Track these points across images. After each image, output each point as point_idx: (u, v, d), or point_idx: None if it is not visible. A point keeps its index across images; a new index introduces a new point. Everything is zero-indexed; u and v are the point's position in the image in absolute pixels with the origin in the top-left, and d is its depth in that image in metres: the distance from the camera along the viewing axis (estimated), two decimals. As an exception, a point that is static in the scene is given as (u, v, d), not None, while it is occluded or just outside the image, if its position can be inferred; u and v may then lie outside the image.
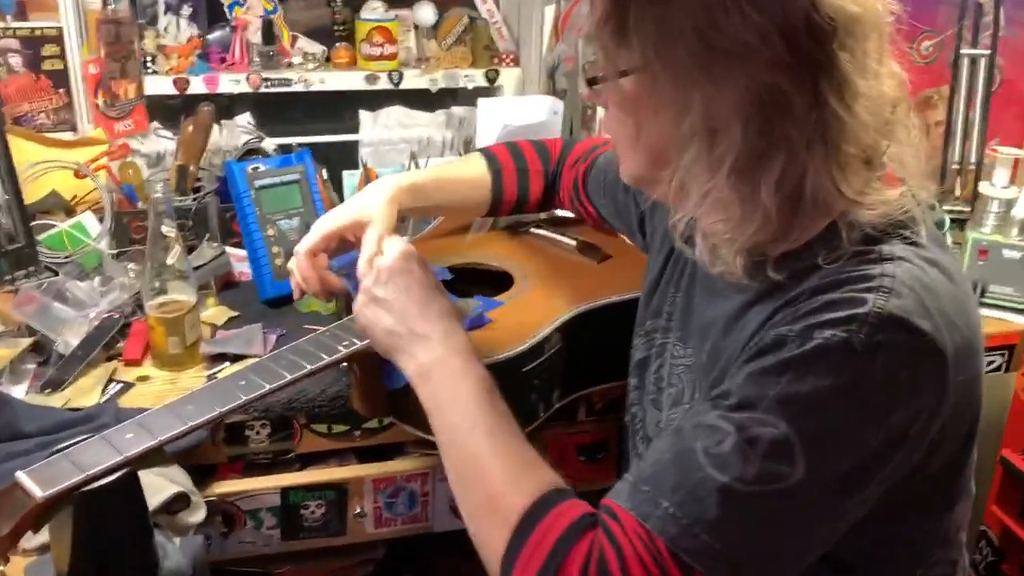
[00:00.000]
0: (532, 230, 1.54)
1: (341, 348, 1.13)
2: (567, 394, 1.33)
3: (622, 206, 1.29)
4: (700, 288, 1.02)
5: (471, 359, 0.97)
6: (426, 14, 2.15)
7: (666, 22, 0.80)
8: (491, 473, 0.88)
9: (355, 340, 1.15)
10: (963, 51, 1.90)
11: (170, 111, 2.08)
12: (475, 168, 1.42)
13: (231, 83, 2.01)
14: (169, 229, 1.39)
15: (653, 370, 1.09)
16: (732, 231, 0.84)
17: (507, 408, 0.94)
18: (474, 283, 1.40)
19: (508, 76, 2.21)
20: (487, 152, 1.44)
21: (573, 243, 1.50)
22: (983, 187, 1.75)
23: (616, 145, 0.94)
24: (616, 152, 0.95)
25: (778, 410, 0.76)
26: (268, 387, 1.06)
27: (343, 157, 2.16)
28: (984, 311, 1.64)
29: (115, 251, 1.72)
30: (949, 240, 0.98)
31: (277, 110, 2.16)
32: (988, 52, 1.92)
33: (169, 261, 1.40)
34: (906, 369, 0.77)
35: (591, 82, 0.89)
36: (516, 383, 1.19)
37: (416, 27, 2.17)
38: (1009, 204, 1.71)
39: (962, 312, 0.83)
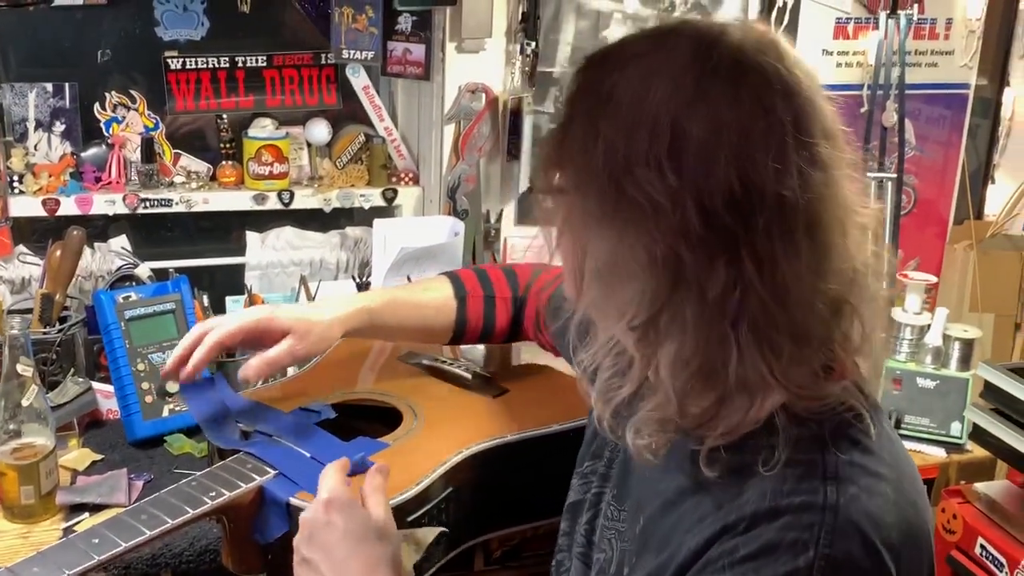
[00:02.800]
0: (424, 361, 1.56)
1: (208, 500, 1.12)
2: (461, 542, 1.32)
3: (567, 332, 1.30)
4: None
5: None
6: (319, 132, 2.20)
7: (591, 154, 0.81)
8: None
9: (223, 491, 1.14)
10: (869, 175, 2.01)
11: (39, 233, 2.07)
12: (439, 292, 1.43)
13: (106, 204, 2.01)
14: (25, 368, 1.37)
15: (585, 520, 1.08)
16: (629, 397, 0.85)
17: None
18: (362, 419, 1.40)
19: (407, 195, 2.26)
20: (453, 276, 1.46)
21: (468, 376, 1.52)
22: (895, 314, 1.83)
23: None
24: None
25: None
26: (124, 545, 1.05)
27: (228, 281, 2.17)
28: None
29: (-33, 388, 1.68)
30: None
31: (157, 232, 2.17)
32: (894, 175, 2.05)
33: (25, 402, 1.38)
34: None
35: (531, 187, 0.92)
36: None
37: (309, 145, 2.22)
38: (922, 331, 1.79)
39: (911, 535, 0.81)
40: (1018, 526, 1.52)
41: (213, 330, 1.29)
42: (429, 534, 1.19)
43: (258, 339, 1.31)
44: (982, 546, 1.55)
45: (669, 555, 0.86)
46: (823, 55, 2.36)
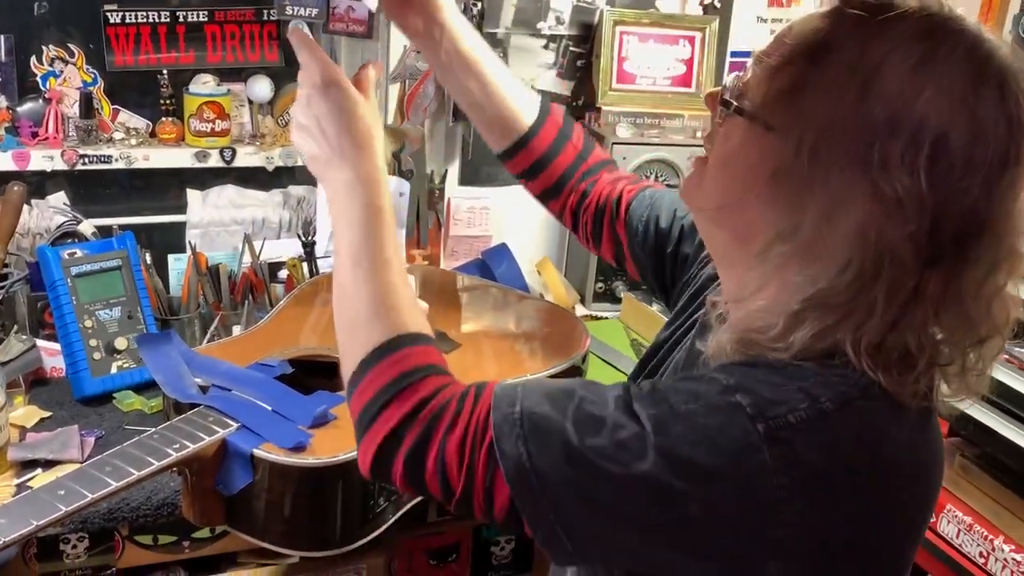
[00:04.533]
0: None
1: (172, 452, 1.13)
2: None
3: (661, 247, 1.26)
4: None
5: (374, 188, 1.00)
6: (261, 89, 2.17)
7: (842, 122, 0.80)
8: (356, 306, 0.97)
9: (187, 443, 1.15)
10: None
11: (-28, 189, 2.03)
12: (528, 92, 1.32)
13: (44, 160, 1.97)
14: (-27, 323, 1.36)
15: None
16: (764, 339, 0.84)
17: (394, 245, 0.99)
18: (318, 375, 1.42)
19: (350, 155, 2.25)
20: (542, 97, 1.35)
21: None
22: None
23: (701, 162, 0.94)
24: (697, 167, 0.94)
25: (656, 422, 0.81)
26: (91, 496, 1.05)
27: (169, 239, 2.14)
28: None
29: (-94, 346, 1.65)
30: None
31: (96, 189, 2.13)
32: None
33: (-28, 358, 1.37)
34: (785, 476, 0.78)
35: (725, 104, 0.88)
36: (363, 484, 1.22)
37: (251, 102, 2.20)
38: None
39: (888, 479, 0.83)
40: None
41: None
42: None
43: None
44: None
45: None
46: (757, 22, 2.40)
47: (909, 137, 0.77)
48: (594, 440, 0.81)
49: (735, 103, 0.87)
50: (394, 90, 2.16)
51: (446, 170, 2.24)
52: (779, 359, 0.83)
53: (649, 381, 0.89)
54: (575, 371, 1.49)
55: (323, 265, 1.99)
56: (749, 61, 0.90)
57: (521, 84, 1.32)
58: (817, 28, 0.84)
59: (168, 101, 2.10)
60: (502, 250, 2.10)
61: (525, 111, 1.29)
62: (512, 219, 2.31)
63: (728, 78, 0.93)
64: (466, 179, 2.27)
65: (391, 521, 1.29)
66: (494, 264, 2.04)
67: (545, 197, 1.36)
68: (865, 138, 0.78)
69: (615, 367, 1.81)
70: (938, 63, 0.79)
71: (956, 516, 1.55)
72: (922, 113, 0.77)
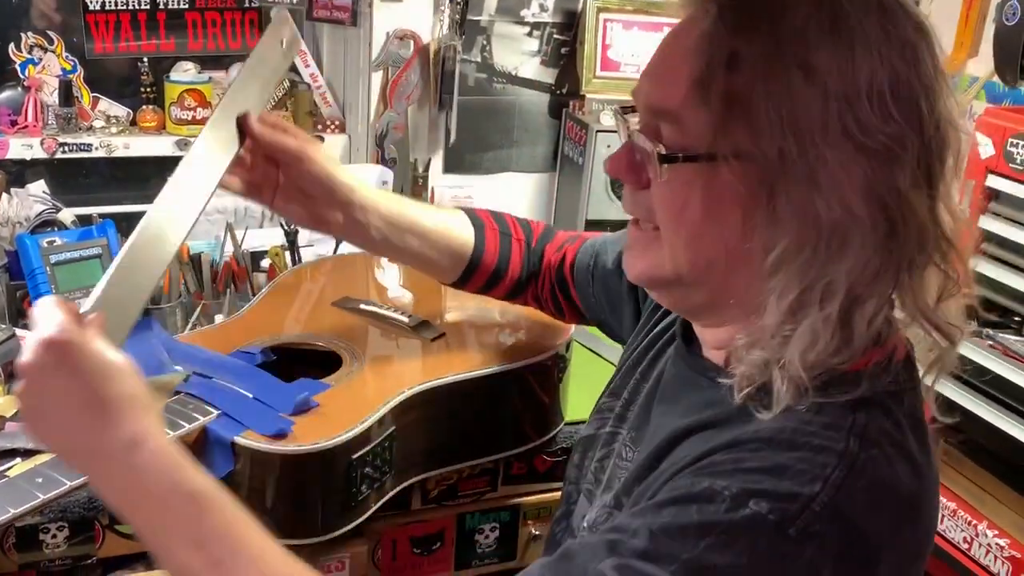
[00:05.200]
0: (361, 306, 1.57)
1: (152, 439, 1.12)
2: (400, 481, 1.34)
3: (614, 292, 1.25)
4: (661, 393, 0.99)
5: (171, 464, 0.80)
6: (243, 77, 2.16)
7: (806, 107, 0.77)
8: None
9: (167, 431, 1.14)
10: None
11: (-50, 178, 2.01)
12: (453, 214, 1.32)
13: (23, 148, 1.96)
14: (-49, 310, 1.34)
15: (597, 457, 1.06)
16: (813, 362, 0.78)
17: (256, 533, 0.80)
18: (301, 363, 1.41)
19: (333, 143, 2.25)
20: (465, 208, 1.35)
21: (405, 319, 1.54)
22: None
23: (645, 235, 0.88)
24: (640, 240, 0.89)
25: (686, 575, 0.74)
26: (68, 484, 1.04)
27: (150, 229, 2.13)
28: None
29: None
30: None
31: (76, 178, 2.12)
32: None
33: (-50, 346, 1.35)
34: (831, 566, 0.75)
35: (668, 159, 0.82)
36: (346, 471, 1.21)
37: (232, 90, 2.18)
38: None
39: (913, 514, 0.81)
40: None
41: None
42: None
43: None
44: None
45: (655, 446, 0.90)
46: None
47: (869, 92, 0.77)
48: None
49: (679, 153, 0.81)
50: (377, 78, 2.15)
51: (430, 159, 2.24)
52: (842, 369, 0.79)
53: (637, 523, 0.79)
54: (559, 359, 1.48)
55: (306, 254, 1.98)
56: (632, 116, 0.87)
57: (443, 210, 1.34)
58: (709, 34, 0.80)
59: (149, 89, 2.10)
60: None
61: (463, 233, 1.29)
62: (496, 207, 2.30)
63: (630, 138, 0.88)
64: (450, 167, 2.27)
65: (373, 509, 1.29)
66: (478, 252, 2.03)
67: (512, 297, 1.37)
68: (835, 112, 0.77)
69: (599, 355, 1.81)
70: (845, 16, 0.78)
71: (940, 502, 1.55)
72: (867, 66, 0.77)
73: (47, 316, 0.80)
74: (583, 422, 1.20)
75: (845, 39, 0.78)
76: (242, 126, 1.08)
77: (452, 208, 1.36)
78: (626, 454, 1.02)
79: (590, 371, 1.68)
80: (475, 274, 1.32)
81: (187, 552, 0.77)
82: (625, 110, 0.90)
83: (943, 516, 1.54)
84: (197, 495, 0.78)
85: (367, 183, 1.22)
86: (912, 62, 0.79)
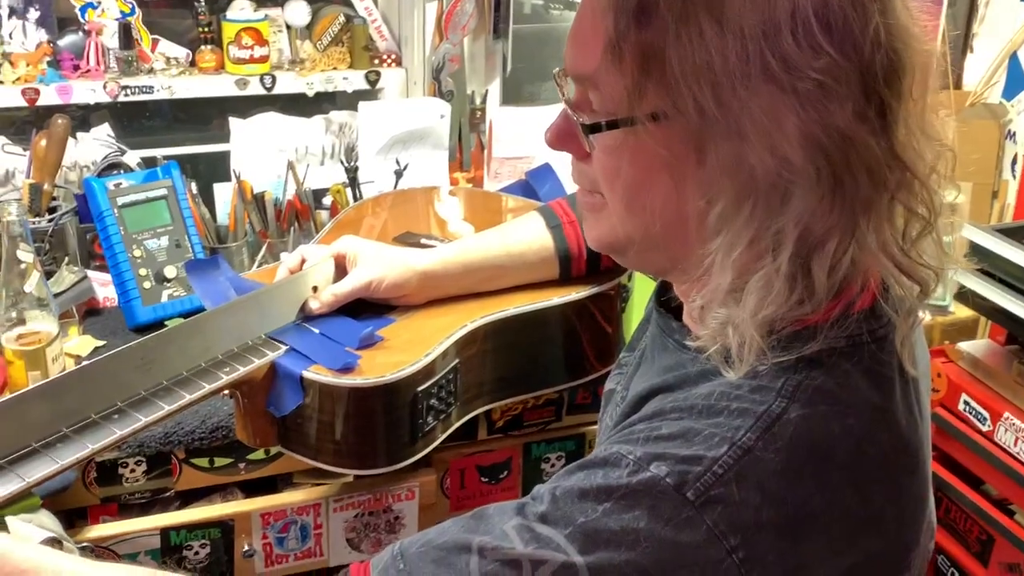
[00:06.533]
0: (423, 240, 1.57)
1: (223, 375, 1.14)
2: (466, 412, 1.36)
3: None
4: (646, 353, 0.96)
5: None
6: (298, 13, 2.16)
7: (723, 55, 0.70)
8: None
9: (237, 366, 1.16)
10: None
11: (17, 124, 2.04)
12: (529, 228, 1.39)
13: (87, 92, 1.98)
14: (26, 254, 1.38)
15: (609, 412, 1.05)
16: (771, 314, 0.74)
17: None
18: (363, 299, 1.42)
19: (390, 78, 2.24)
20: (542, 209, 1.41)
21: (466, 253, 1.54)
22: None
23: (592, 204, 0.84)
24: (590, 211, 0.86)
25: (581, 540, 0.72)
26: (144, 420, 1.07)
27: (213, 168, 2.15)
28: None
29: (-38, 280, 1.68)
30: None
31: (138, 120, 2.14)
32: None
33: (27, 288, 1.39)
34: (741, 534, 0.71)
35: (592, 128, 0.78)
36: (411, 404, 1.23)
37: (288, 27, 2.18)
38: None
39: (850, 481, 0.75)
40: (1001, 381, 1.58)
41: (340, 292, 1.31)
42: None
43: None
44: (965, 402, 1.61)
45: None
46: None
47: (793, 25, 0.69)
48: None
49: (602, 120, 0.77)
50: (431, 9, 2.12)
51: (487, 90, 2.21)
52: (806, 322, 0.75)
53: (547, 487, 0.78)
54: (621, 289, 1.48)
55: (367, 190, 1.99)
56: (563, 83, 0.82)
57: (517, 225, 1.40)
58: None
59: (206, 29, 2.10)
60: (546, 170, 2.07)
61: (541, 240, 1.37)
62: (555, 138, 2.28)
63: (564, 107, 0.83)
64: (507, 98, 2.24)
65: (440, 439, 1.31)
66: (538, 184, 2.01)
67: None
68: (755, 54, 0.70)
69: (662, 284, 1.80)
70: None
71: (1014, 424, 1.52)
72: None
73: None
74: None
75: None
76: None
77: (527, 215, 1.42)
78: (614, 413, 1.01)
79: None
80: (572, 267, 1.39)
81: None
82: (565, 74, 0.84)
83: (1016, 439, 1.52)
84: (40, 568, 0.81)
85: (425, 255, 1.36)
86: None
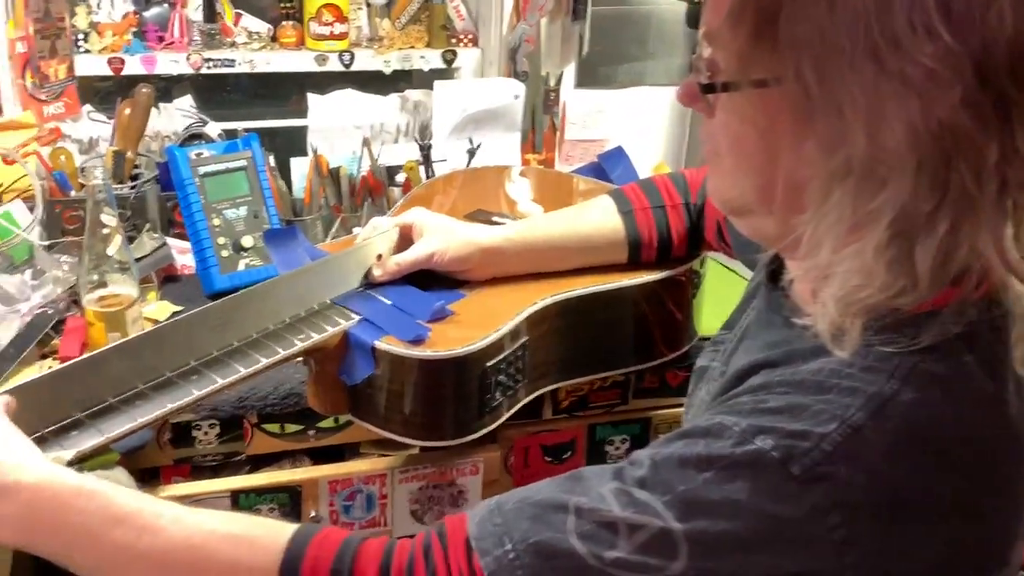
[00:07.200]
0: (494, 218, 1.59)
1: (297, 342, 1.17)
2: (533, 390, 1.37)
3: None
4: (749, 329, 0.95)
5: (70, 476, 0.86)
6: (379, -9, 2.18)
7: (832, 28, 0.69)
8: (205, 560, 0.83)
9: (312, 333, 1.18)
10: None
11: (102, 93, 2.10)
12: (599, 211, 1.39)
13: (170, 63, 2.03)
14: (109, 218, 1.42)
15: (704, 388, 1.04)
16: (868, 297, 0.72)
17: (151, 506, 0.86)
18: (435, 273, 1.44)
19: (466, 57, 2.25)
20: (615, 192, 1.41)
21: (538, 233, 1.55)
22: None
23: (715, 160, 0.84)
24: (712, 167, 0.86)
25: (679, 508, 0.73)
26: (220, 382, 1.09)
27: (290, 143, 2.19)
28: None
29: (47, 242, 1.73)
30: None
31: (219, 94, 2.19)
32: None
33: (110, 252, 1.43)
34: (842, 513, 0.70)
35: (708, 88, 0.79)
36: (480, 379, 1.24)
37: (368, 4, 2.20)
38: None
39: (954, 467, 0.73)
40: None
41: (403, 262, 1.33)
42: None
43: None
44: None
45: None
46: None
47: (909, 5, 0.66)
48: (613, 552, 0.73)
49: (717, 82, 0.78)
50: (510, -11, 2.14)
51: (562, 72, 2.22)
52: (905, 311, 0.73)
53: (645, 453, 0.78)
54: (693, 275, 1.48)
55: (439, 168, 2.00)
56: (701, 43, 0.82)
57: (588, 207, 1.40)
58: None
59: (288, 4, 2.13)
60: (618, 153, 2.07)
61: (611, 225, 1.37)
62: (629, 122, 2.27)
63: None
64: (583, 81, 2.24)
65: (506, 416, 1.32)
66: (610, 167, 2.01)
67: (695, 252, 1.43)
68: (863, 32, 0.68)
69: (735, 271, 1.79)
70: None
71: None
72: None
73: None
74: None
75: None
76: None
77: (599, 198, 1.41)
78: (712, 389, 1.00)
79: (726, 288, 1.67)
80: (642, 254, 1.39)
81: (112, 533, 0.82)
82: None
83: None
84: (96, 490, 0.84)
85: (493, 231, 1.38)
86: None
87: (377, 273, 1.31)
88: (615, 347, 1.45)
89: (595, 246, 1.38)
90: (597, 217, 1.39)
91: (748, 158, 0.79)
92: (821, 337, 0.74)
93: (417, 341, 1.21)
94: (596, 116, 2.28)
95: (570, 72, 2.23)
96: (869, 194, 0.71)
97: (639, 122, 2.27)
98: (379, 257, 1.33)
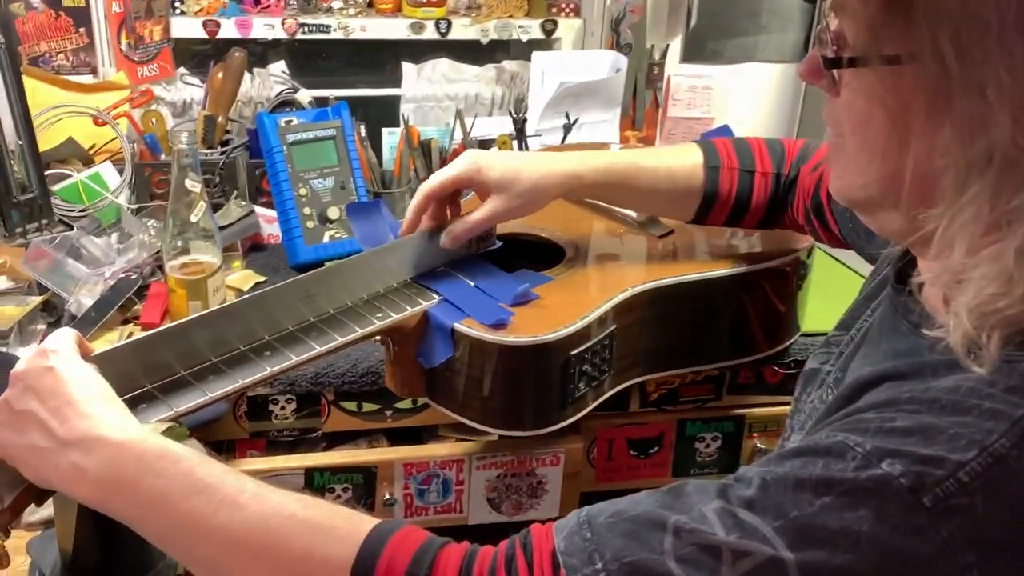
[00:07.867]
0: (587, 199, 1.53)
1: (376, 320, 1.13)
2: (620, 382, 1.31)
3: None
4: (870, 333, 0.89)
5: (157, 439, 0.85)
6: (479, -42, 2.13)
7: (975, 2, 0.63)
8: (279, 544, 0.79)
9: (390, 313, 1.15)
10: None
11: (198, 56, 2.10)
12: (686, 159, 1.30)
13: (265, 28, 2.01)
14: (194, 184, 1.40)
15: (817, 394, 0.98)
16: (1007, 308, 0.66)
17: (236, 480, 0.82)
18: (521, 255, 1.39)
19: (567, 28, 2.19)
20: (706, 144, 1.32)
21: (633, 214, 1.49)
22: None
23: (837, 146, 0.78)
24: (834, 155, 0.79)
25: (792, 535, 0.66)
26: (295, 359, 1.06)
27: (382, 113, 2.16)
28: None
29: (135, 206, 1.74)
30: None
31: (313, 60, 2.17)
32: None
33: (193, 218, 1.41)
34: (977, 552, 0.64)
35: (833, 63, 0.73)
36: (563, 367, 1.19)
37: (468, -29, 2.16)
38: None
39: None
40: None
41: (424, 182, 1.24)
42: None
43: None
44: None
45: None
46: None
47: None
48: None
49: (844, 57, 0.71)
50: (615, -42, 2.06)
51: (667, 45, 2.13)
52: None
53: (755, 470, 0.72)
54: (799, 266, 1.40)
55: (533, 143, 1.95)
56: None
57: (673, 151, 1.31)
58: None
59: (386, -31, 2.09)
60: (724, 133, 1.99)
61: (690, 178, 1.28)
62: (736, 100, 2.18)
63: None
64: (689, 55, 2.16)
65: (591, 407, 1.27)
66: (714, 148, 1.94)
67: (765, 227, 1.34)
68: (1013, 1, 0.62)
69: (846, 264, 1.70)
70: None
71: None
72: None
73: (56, 336, 0.90)
74: (821, 334, 1.12)
75: None
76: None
77: (688, 145, 1.32)
78: (826, 396, 0.93)
79: (835, 282, 1.59)
80: (711, 213, 1.31)
81: (190, 501, 0.79)
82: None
83: None
84: (182, 456, 0.82)
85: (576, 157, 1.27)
86: None
87: (445, 240, 1.24)
88: (710, 339, 1.38)
89: (665, 191, 1.29)
90: (679, 162, 1.29)
91: (875, 143, 0.72)
92: (954, 351, 0.67)
93: (499, 325, 1.16)
94: (702, 93, 2.19)
95: (676, 45, 2.15)
96: (1011, 189, 0.64)
97: (748, 101, 2.18)
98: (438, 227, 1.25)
